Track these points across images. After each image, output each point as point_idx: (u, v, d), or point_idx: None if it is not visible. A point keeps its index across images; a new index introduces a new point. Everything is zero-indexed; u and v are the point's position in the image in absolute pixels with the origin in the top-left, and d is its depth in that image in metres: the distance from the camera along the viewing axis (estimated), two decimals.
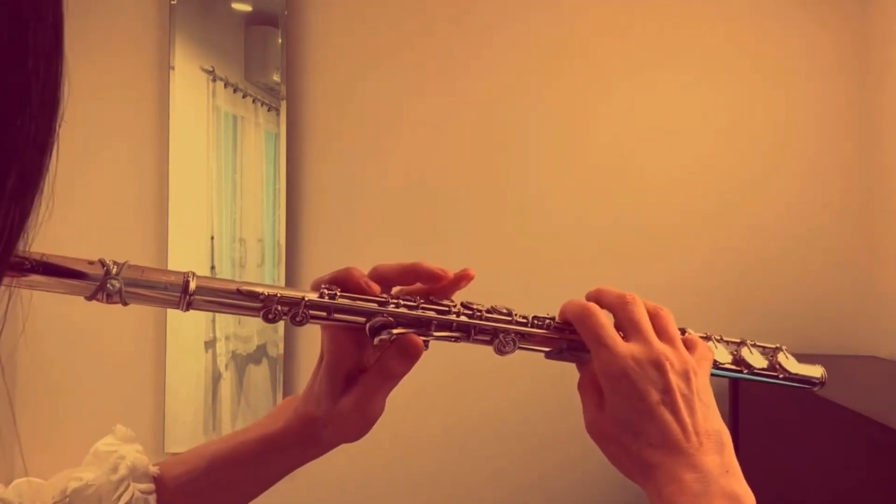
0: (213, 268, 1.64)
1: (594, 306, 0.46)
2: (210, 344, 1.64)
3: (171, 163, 1.63)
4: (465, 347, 1.70)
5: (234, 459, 0.49)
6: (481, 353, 1.77)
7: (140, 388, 1.66)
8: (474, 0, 1.66)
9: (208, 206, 1.64)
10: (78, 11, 1.68)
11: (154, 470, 0.48)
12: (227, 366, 1.65)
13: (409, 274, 0.46)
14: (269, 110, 1.65)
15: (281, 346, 1.64)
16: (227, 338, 1.65)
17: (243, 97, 1.65)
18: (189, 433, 1.63)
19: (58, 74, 0.26)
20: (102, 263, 0.38)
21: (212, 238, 1.64)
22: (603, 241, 1.61)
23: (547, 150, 1.63)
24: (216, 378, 1.65)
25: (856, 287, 1.55)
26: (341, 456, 1.69)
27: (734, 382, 1.36)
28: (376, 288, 0.45)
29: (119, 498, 0.46)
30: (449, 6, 1.66)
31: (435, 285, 0.47)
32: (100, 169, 1.69)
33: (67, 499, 0.46)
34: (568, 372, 1.65)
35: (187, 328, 1.64)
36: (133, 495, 0.47)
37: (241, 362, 1.66)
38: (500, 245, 1.62)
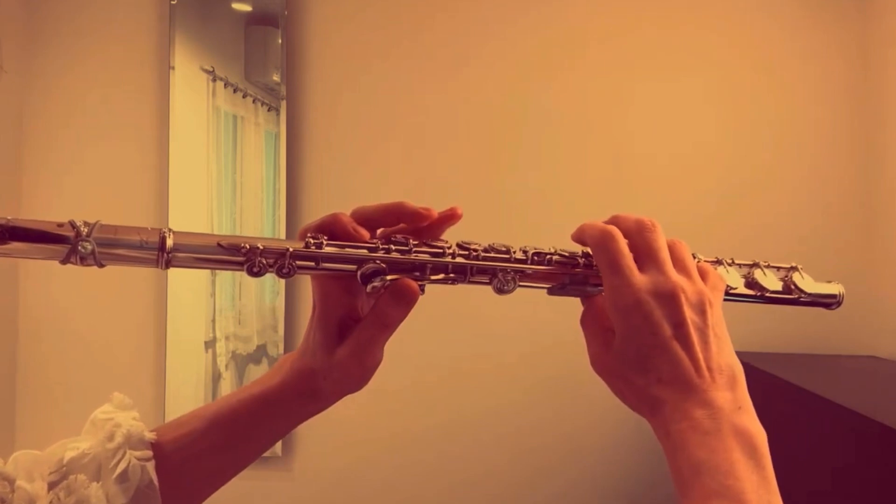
0: None
1: (616, 231, 0.43)
2: (210, 344, 1.64)
3: (171, 163, 1.63)
4: (461, 343, 1.69)
5: (232, 418, 0.48)
6: (479, 352, 1.75)
7: (140, 388, 1.66)
8: (475, 1, 1.66)
9: (208, 206, 1.64)
10: (77, 11, 1.69)
11: (151, 436, 0.48)
12: (227, 366, 1.65)
13: (392, 214, 0.45)
14: (269, 110, 1.65)
15: (281, 346, 1.64)
16: (227, 338, 1.65)
17: (243, 97, 1.65)
18: None
19: None
20: (73, 224, 0.36)
21: None
22: None
23: (548, 150, 1.63)
24: (216, 378, 1.65)
25: (856, 287, 1.55)
26: (339, 453, 1.69)
27: None
28: (365, 234, 0.44)
29: (116, 466, 0.46)
30: (449, 6, 1.66)
31: (419, 225, 0.45)
32: (100, 169, 1.69)
33: (64, 468, 0.45)
34: (564, 373, 1.64)
35: (187, 328, 1.64)
36: (130, 463, 0.46)
37: (241, 362, 1.66)
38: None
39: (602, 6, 1.63)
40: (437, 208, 0.46)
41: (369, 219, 0.45)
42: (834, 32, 1.58)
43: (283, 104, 1.64)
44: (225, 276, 1.66)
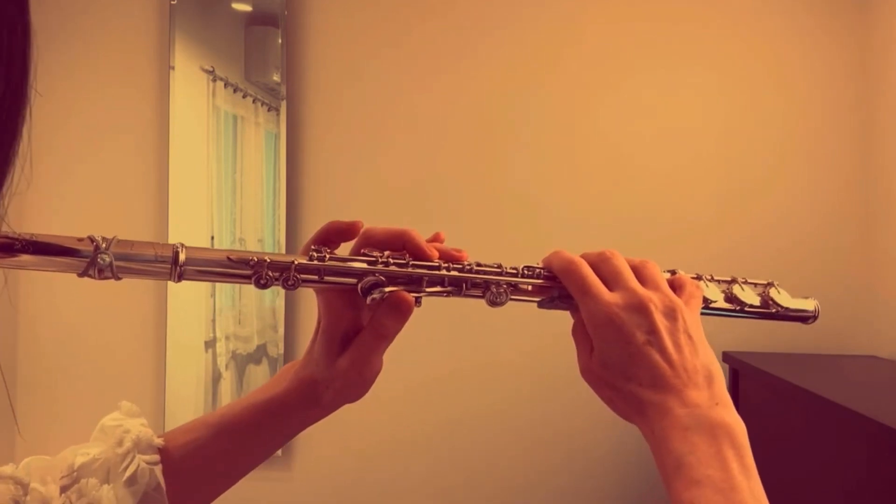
0: None
1: (578, 258, 0.47)
2: (210, 344, 1.64)
3: (171, 163, 1.63)
4: (460, 344, 1.69)
5: (238, 425, 0.50)
6: (477, 352, 1.75)
7: (140, 389, 1.66)
8: (474, 0, 1.66)
9: (208, 206, 1.64)
10: (78, 12, 1.69)
11: (159, 441, 0.49)
12: (227, 366, 1.65)
13: (397, 241, 0.47)
14: (269, 110, 1.65)
15: (281, 345, 1.64)
16: (227, 338, 1.65)
17: (243, 97, 1.65)
18: None
19: (24, 39, 0.26)
20: (92, 239, 0.38)
21: (212, 238, 1.64)
22: (600, 240, 1.61)
23: (547, 149, 1.63)
24: (216, 378, 1.65)
25: (855, 288, 1.55)
26: (338, 453, 1.69)
27: (734, 382, 1.36)
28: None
29: (125, 470, 0.47)
30: (449, 6, 1.66)
31: (421, 259, 0.47)
32: (100, 169, 1.69)
33: (75, 473, 0.47)
34: (564, 373, 1.63)
35: (187, 328, 1.64)
36: (139, 466, 0.48)
37: (241, 362, 1.66)
38: (502, 245, 1.62)
39: (603, 9, 1.63)
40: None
41: (375, 240, 0.47)
42: (834, 32, 1.58)
43: (283, 104, 1.64)
44: None
